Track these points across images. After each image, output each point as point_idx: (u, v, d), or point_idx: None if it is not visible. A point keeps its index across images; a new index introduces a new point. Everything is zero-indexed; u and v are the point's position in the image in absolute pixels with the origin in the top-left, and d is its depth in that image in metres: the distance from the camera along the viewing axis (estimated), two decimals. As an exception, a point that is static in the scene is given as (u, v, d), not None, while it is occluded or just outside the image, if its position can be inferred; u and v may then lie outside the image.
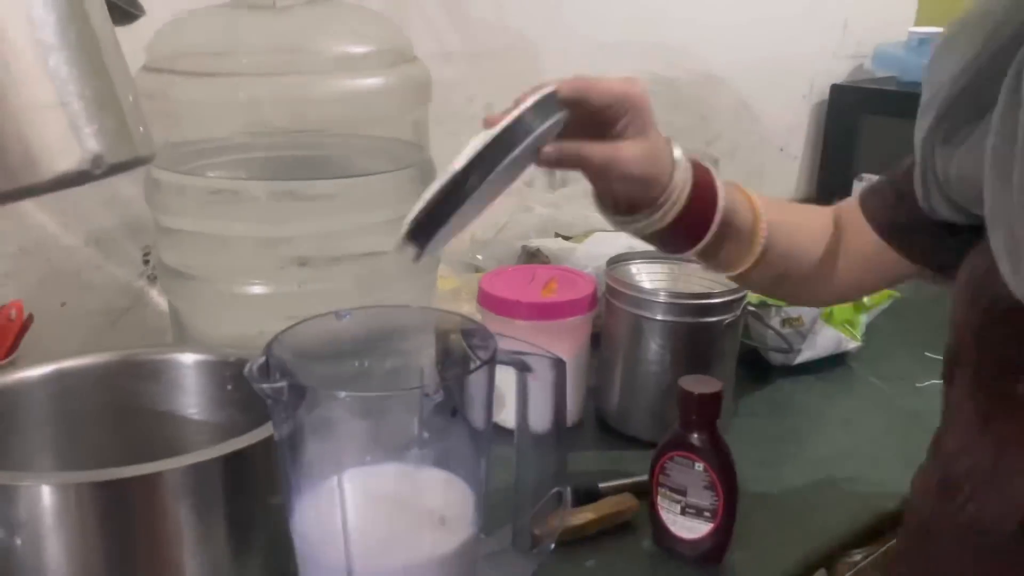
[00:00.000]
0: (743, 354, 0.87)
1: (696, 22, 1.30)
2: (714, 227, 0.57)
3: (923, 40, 1.46)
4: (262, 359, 0.45)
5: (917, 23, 1.61)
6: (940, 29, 0.55)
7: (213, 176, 0.67)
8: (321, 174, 0.70)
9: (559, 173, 1.21)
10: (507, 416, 0.54)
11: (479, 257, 1.04)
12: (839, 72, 1.54)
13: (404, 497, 0.43)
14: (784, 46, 1.42)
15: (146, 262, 0.88)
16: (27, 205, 0.74)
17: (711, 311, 0.76)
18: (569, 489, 0.57)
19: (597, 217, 1.04)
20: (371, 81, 0.69)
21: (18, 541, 0.51)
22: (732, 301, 0.76)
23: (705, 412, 0.60)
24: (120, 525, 0.51)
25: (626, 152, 0.52)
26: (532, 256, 1.00)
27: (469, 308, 0.91)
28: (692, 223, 0.56)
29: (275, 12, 0.67)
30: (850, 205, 0.64)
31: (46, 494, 0.50)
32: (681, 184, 0.55)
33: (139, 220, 0.86)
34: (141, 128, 0.47)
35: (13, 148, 0.42)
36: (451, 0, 1.03)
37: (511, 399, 0.62)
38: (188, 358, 0.64)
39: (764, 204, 0.60)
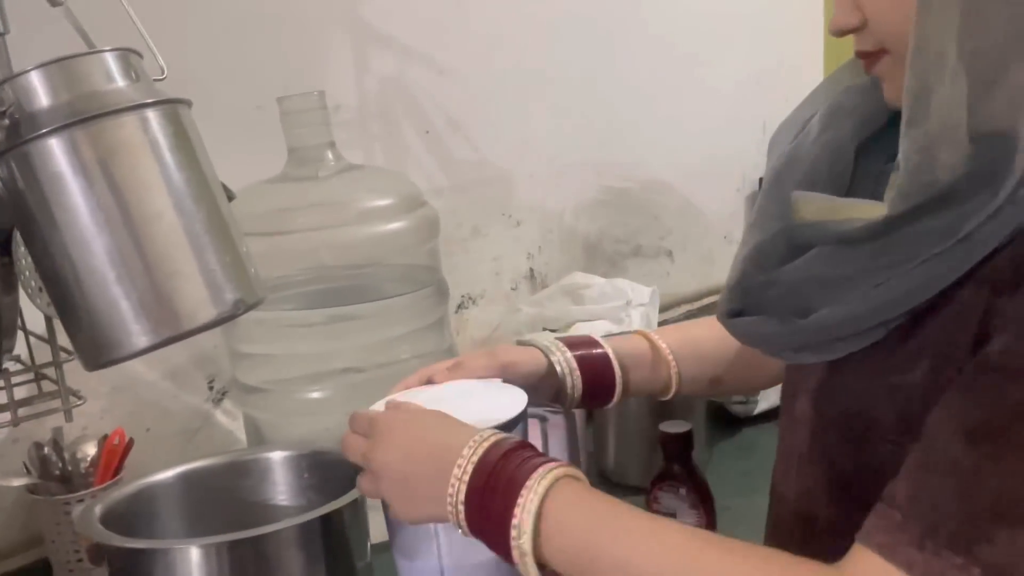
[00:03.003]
0: (712, 410, 1.06)
1: (639, 138, 1.54)
2: (617, 394, 0.71)
3: (831, 132, 1.72)
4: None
5: (826, 118, 1.88)
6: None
7: (282, 309, 0.85)
8: (361, 299, 0.89)
9: (539, 278, 1.42)
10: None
11: (482, 355, 1.23)
12: (764, 165, 1.79)
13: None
14: (715, 150, 1.67)
15: (210, 388, 1.06)
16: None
17: (678, 374, 0.95)
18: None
19: (576, 310, 1.24)
20: (394, 225, 0.89)
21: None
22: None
23: (681, 447, 0.78)
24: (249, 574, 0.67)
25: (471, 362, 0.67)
26: (527, 348, 1.18)
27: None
28: (598, 395, 0.71)
29: (317, 180, 0.88)
30: None
31: (195, 554, 0.65)
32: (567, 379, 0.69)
33: (204, 354, 1.04)
34: (253, 271, 0.65)
35: (175, 305, 0.60)
36: (437, 147, 1.26)
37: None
38: (276, 455, 0.81)
39: (667, 336, 0.74)
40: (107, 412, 0.96)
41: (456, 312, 1.30)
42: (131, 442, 0.91)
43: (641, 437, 0.95)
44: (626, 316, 1.22)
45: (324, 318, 0.86)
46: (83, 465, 0.91)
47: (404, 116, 1.22)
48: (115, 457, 0.90)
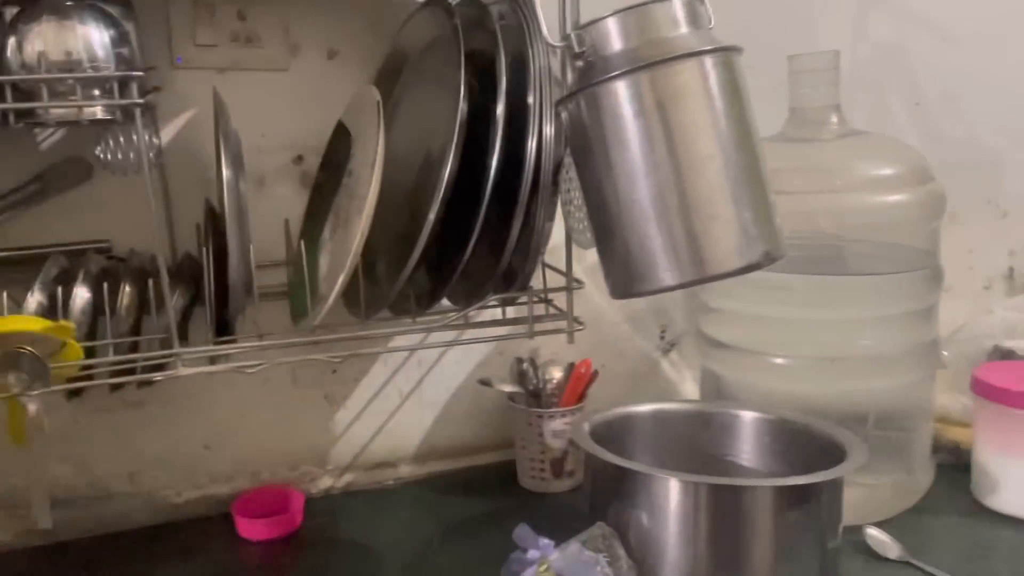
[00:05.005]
0: None
1: None
2: None
3: None
4: None
5: None
6: None
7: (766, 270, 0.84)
8: (846, 271, 0.84)
9: (1019, 280, 1.23)
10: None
11: (945, 353, 1.11)
12: None
13: None
14: None
15: (662, 338, 1.09)
16: (591, 288, 0.98)
17: None
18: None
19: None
20: (897, 197, 0.83)
21: (645, 519, 0.69)
22: None
23: None
24: (723, 522, 0.67)
25: None
26: (1006, 355, 1.04)
27: (945, 398, 0.99)
28: None
29: (819, 143, 0.85)
30: None
31: (674, 486, 0.68)
32: None
33: (660, 304, 1.08)
34: (779, 222, 0.64)
35: (705, 250, 0.62)
36: (924, 121, 1.15)
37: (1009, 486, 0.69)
38: (744, 414, 0.81)
39: None
40: (574, 343, 1.04)
41: (914, 303, 1.19)
42: (596, 373, 0.98)
43: None
44: None
45: (806, 285, 0.83)
46: (549, 386, 1.00)
47: (895, 86, 1.13)
48: (581, 384, 0.97)
